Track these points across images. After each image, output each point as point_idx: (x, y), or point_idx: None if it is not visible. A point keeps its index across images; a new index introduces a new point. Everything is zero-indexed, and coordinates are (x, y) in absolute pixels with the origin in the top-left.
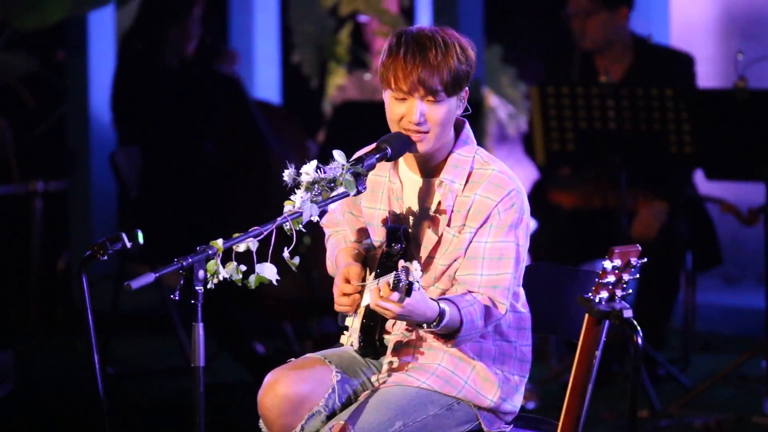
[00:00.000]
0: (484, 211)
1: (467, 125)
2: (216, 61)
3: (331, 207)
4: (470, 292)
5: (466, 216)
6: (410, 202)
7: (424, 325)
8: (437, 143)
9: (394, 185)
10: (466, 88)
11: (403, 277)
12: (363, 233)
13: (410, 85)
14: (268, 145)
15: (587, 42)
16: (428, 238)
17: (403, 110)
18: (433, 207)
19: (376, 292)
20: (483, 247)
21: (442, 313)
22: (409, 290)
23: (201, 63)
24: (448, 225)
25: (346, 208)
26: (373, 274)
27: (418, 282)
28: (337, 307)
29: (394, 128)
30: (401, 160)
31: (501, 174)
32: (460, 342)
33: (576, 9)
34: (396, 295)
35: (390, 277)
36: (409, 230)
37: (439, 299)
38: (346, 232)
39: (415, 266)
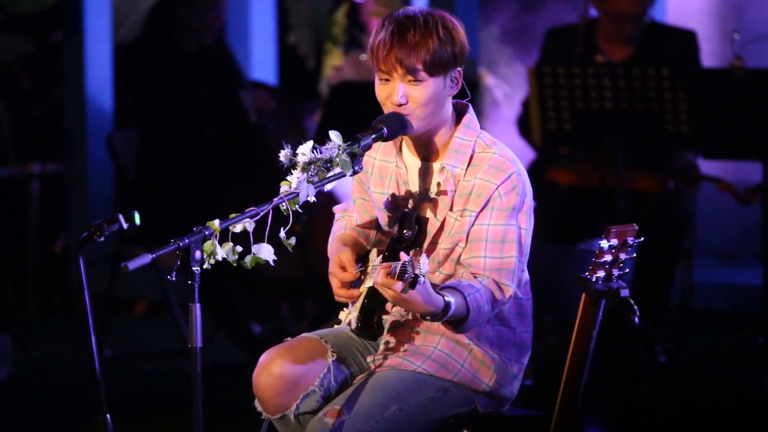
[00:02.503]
0: (485, 194)
1: (470, 110)
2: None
3: (347, 193)
4: (475, 276)
5: (467, 200)
6: (414, 186)
7: (428, 317)
8: (427, 123)
9: (401, 170)
10: (459, 69)
11: (409, 269)
12: (372, 220)
13: (389, 65)
14: (265, 126)
15: (620, 39)
16: (431, 223)
17: (388, 91)
18: (436, 191)
19: (380, 275)
20: (486, 229)
21: (447, 306)
22: (413, 283)
23: (219, 50)
24: (451, 209)
25: (357, 194)
26: (381, 256)
27: (423, 277)
28: (336, 298)
29: (384, 109)
30: (405, 145)
31: (501, 157)
32: (467, 329)
33: (624, 12)
34: (399, 285)
35: (397, 265)
36: (420, 216)
37: (444, 288)
38: (352, 218)
39: (423, 260)
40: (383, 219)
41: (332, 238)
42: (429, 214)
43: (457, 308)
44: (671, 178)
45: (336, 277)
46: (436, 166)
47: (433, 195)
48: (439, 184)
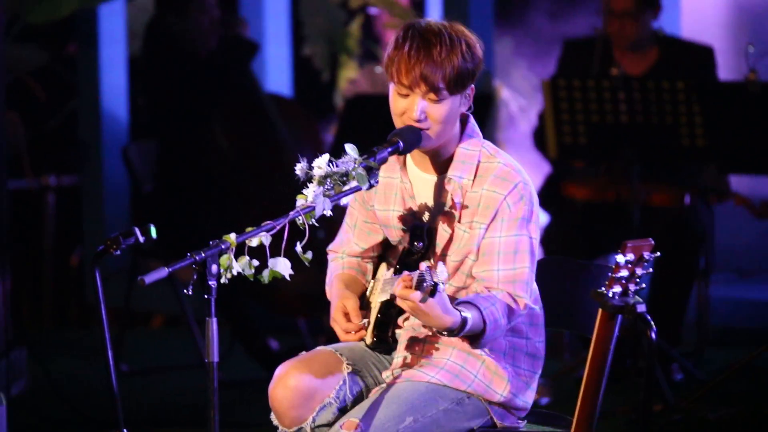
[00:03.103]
0: (493, 205)
1: (471, 119)
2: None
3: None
4: (489, 290)
5: (475, 211)
6: (421, 200)
7: (445, 332)
8: (439, 140)
9: (405, 185)
10: (472, 86)
11: (427, 277)
12: (373, 247)
13: (412, 80)
14: (281, 138)
15: (623, 42)
16: (440, 235)
17: (405, 105)
18: (443, 204)
19: (400, 284)
20: (497, 242)
21: (464, 321)
22: (433, 291)
23: (225, 44)
24: (459, 221)
25: (360, 217)
26: (392, 270)
27: (443, 284)
28: (343, 341)
29: (396, 122)
30: (409, 159)
31: (506, 167)
32: (484, 344)
33: (618, 9)
34: (418, 295)
35: (414, 275)
36: (431, 228)
37: (460, 303)
38: (353, 248)
39: (440, 267)
40: (393, 235)
41: (330, 278)
42: (438, 226)
43: (473, 323)
44: (688, 193)
45: (339, 326)
46: (442, 178)
47: (440, 207)
48: (446, 196)
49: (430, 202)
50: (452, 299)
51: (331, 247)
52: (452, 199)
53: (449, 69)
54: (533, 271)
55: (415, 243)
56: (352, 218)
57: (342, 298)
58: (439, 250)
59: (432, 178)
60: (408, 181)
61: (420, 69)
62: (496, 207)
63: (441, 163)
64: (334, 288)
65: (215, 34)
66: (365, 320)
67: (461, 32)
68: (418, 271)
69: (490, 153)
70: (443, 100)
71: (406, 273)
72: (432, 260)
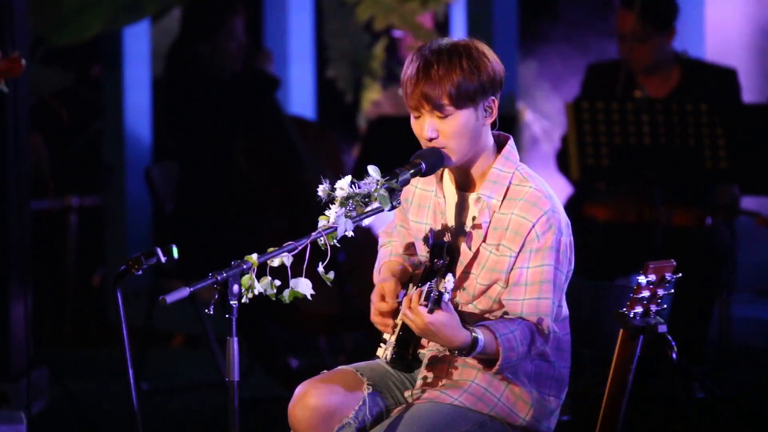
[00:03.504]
0: (522, 232)
1: (511, 141)
2: (252, 61)
3: (390, 216)
4: (512, 317)
5: (503, 234)
6: (450, 216)
7: (456, 352)
8: (465, 153)
9: (440, 200)
10: (492, 98)
11: (433, 289)
12: (412, 247)
13: (416, 101)
14: (303, 160)
15: (638, 65)
16: (464, 252)
17: (420, 126)
18: (470, 222)
19: (406, 302)
20: (525, 272)
21: (475, 340)
22: (438, 300)
23: (248, 76)
24: (484, 241)
25: (398, 221)
26: (416, 288)
27: (448, 293)
28: (372, 320)
29: (422, 145)
30: (446, 175)
31: (538, 192)
32: (503, 369)
33: (625, 33)
34: (424, 309)
35: (423, 290)
36: (452, 246)
37: (480, 326)
38: (397, 244)
39: (448, 277)
40: (419, 249)
41: (378, 265)
42: (463, 244)
43: (486, 345)
44: (709, 214)
45: (373, 305)
46: (472, 196)
47: (467, 225)
48: (473, 215)
49: (458, 219)
50: (475, 321)
51: (382, 230)
52: (480, 219)
53: (449, 85)
54: (556, 300)
55: (436, 261)
56: (395, 218)
57: (382, 282)
58: (462, 267)
59: (462, 195)
60: (442, 196)
61: (420, 89)
62: (525, 235)
63: (473, 182)
64: (380, 274)
65: (240, 58)
66: (400, 300)
67: (465, 47)
68: (425, 286)
69: (522, 176)
70: (450, 116)
71: (412, 293)
72: (455, 277)
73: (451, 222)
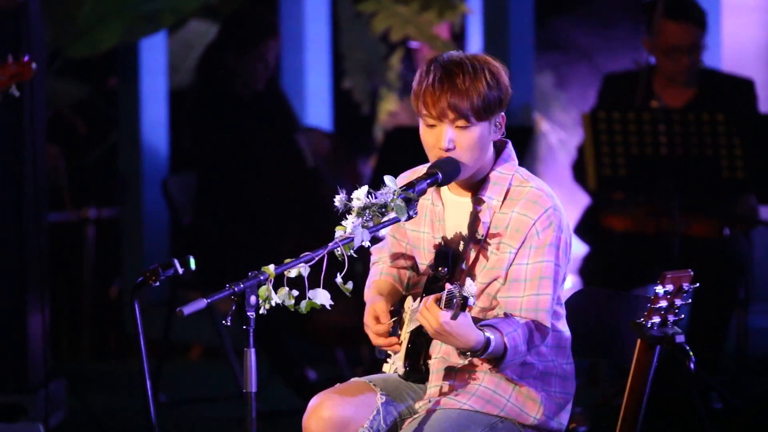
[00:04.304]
0: (522, 229)
1: (509, 145)
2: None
3: (383, 232)
4: (511, 315)
5: (504, 233)
6: (450, 220)
7: (468, 353)
8: (473, 167)
9: (437, 207)
10: (502, 113)
11: (456, 293)
12: (400, 258)
13: (439, 110)
14: (320, 171)
15: (680, 76)
16: (467, 255)
17: (435, 136)
18: (472, 224)
19: (423, 305)
20: (524, 269)
21: (488, 341)
22: (464, 305)
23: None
24: (486, 241)
25: (390, 230)
26: (419, 299)
27: (473, 297)
28: (375, 344)
29: (429, 155)
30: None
31: (539, 191)
32: (504, 368)
33: (680, 44)
34: (448, 314)
35: (443, 294)
36: (456, 252)
37: (483, 326)
38: (386, 258)
39: (468, 282)
40: (419, 257)
41: (368, 282)
42: (464, 247)
43: (496, 346)
44: (727, 224)
45: (370, 330)
46: (472, 198)
47: (468, 228)
48: (474, 216)
49: (459, 224)
50: (477, 320)
51: (374, 248)
52: (480, 219)
53: (475, 96)
54: (555, 298)
55: (440, 269)
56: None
57: (373, 303)
58: (465, 270)
59: (463, 200)
60: (440, 204)
61: (446, 99)
62: (526, 231)
63: (473, 186)
64: (369, 294)
65: (264, 81)
66: (395, 318)
67: (484, 61)
68: (446, 290)
69: (523, 177)
70: (471, 127)
71: (431, 296)
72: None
73: (451, 227)
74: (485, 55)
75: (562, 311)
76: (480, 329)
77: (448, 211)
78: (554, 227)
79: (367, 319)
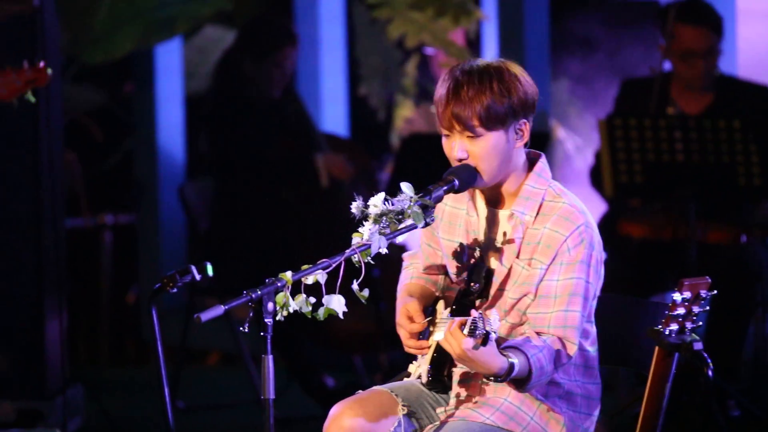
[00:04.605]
0: (554, 245)
1: (543, 158)
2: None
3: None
4: (539, 333)
5: (535, 249)
6: (484, 234)
7: (491, 378)
8: (496, 175)
9: (472, 218)
10: (522, 121)
11: (480, 325)
12: (435, 268)
13: (447, 122)
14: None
15: (698, 82)
16: (499, 270)
17: (449, 146)
18: (504, 239)
19: (447, 328)
20: (554, 285)
21: (511, 367)
22: (485, 340)
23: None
24: (518, 257)
25: (425, 239)
26: (449, 309)
27: (495, 333)
28: (406, 349)
29: (451, 164)
30: (477, 192)
31: (571, 207)
32: (529, 389)
33: (695, 48)
34: (470, 341)
35: (467, 321)
36: (489, 268)
37: (507, 348)
38: (419, 265)
39: (493, 316)
40: (451, 267)
41: (400, 287)
42: (496, 261)
43: (520, 369)
44: (744, 231)
45: (404, 329)
46: (505, 213)
47: (500, 242)
48: (506, 232)
49: (491, 237)
50: (504, 339)
51: (406, 254)
52: (513, 235)
53: (478, 107)
54: (585, 315)
55: (472, 284)
56: (421, 237)
57: (405, 303)
58: (496, 285)
59: (498, 213)
60: (475, 214)
61: (451, 109)
62: (557, 248)
63: (504, 199)
64: (400, 297)
65: (281, 88)
66: (429, 318)
67: (497, 69)
68: (470, 318)
69: (556, 192)
70: (480, 137)
71: (457, 319)
72: (489, 298)
73: (484, 239)
74: (507, 62)
75: (592, 330)
76: (504, 353)
77: (480, 222)
78: (585, 244)
79: (401, 318)
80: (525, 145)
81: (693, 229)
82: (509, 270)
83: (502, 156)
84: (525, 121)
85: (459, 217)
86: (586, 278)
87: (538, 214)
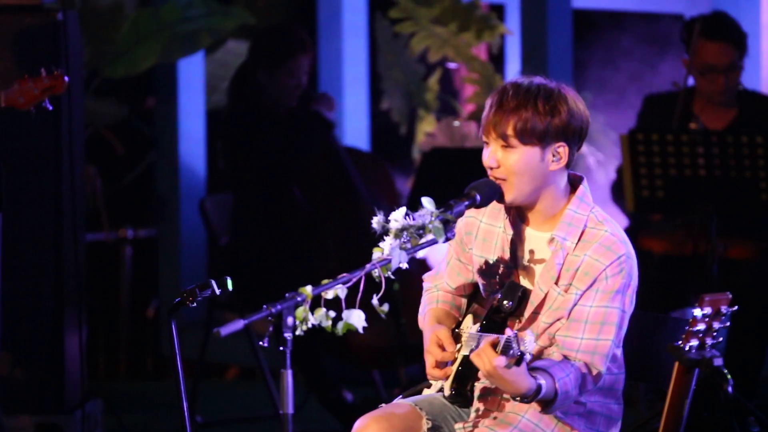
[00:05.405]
0: (592, 273)
1: (585, 182)
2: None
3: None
4: (566, 357)
5: (573, 275)
6: (521, 255)
7: (518, 398)
8: (524, 194)
9: (508, 237)
10: (562, 144)
11: (514, 345)
12: (464, 287)
13: (485, 128)
14: (358, 191)
15: (719, 97)
16: (535, 293)
17: (485, 154)
18: (543, 262)
19: (487, 342)
20: (588, 311)
21: (539, 388)
22: (519, 361)
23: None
24: (556, 283)
25: (454, 254)
26: (478, 324)
27: (529, 354)
28: (429, 377)
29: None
30: (514, 211)
31: (613, 236)
32: (551, 411)
33: (716, 64)
34: (503, 360)
35: (502, 339)
36: (525, 289)
37: (535, 369)
38: (443, 284)
39: (529, 337)
40: (483, 283)
41: (423, 310)
42: (533, 284)
43: (546, 391)
44: (765, 247)
45: (433, 356)
46: (544, 236)
47: (539, 265)
48: (547, 256)
49: (530, 258)
50: (536, 355)
51: (426, 275)
52: (553, 260)
53: (516, 119)
54: (617, 344)
55: (505, 302)
56: (449, 254)
57: (434, 330)
58: (531, 308)
59: (536, 234)
60: (512, 233)
61: (491, 117)
62: (595, 276)
63: (545, 221)
64: (426, 321)
65: (296, 97)
66: (459, 345)
67: (548, 89)
68: (505, 336)
69: (598, 220)
70: (514, 149)
71: (493, 336)
72: (521, 318)
73: (520, 260)
74: (564, 86)
75: (620, 353)
76: (532, 374)
77: (519, 242)
78: (624, 274)
79: (431, 346)
80: (566, 167)
81: (714, 245)
82: (546, 294)
83: (532, 173)
84: (564, 144)
85: (495, 234)
86: (621, 307)
87: (579, 240)
